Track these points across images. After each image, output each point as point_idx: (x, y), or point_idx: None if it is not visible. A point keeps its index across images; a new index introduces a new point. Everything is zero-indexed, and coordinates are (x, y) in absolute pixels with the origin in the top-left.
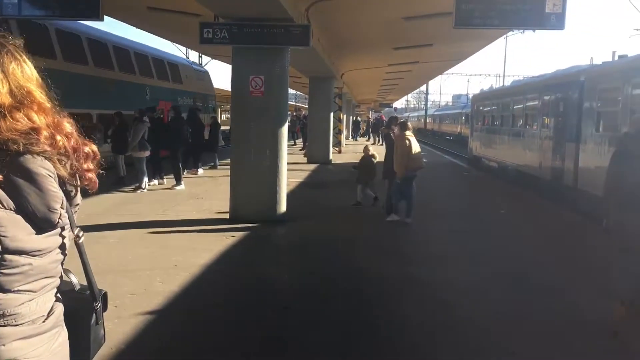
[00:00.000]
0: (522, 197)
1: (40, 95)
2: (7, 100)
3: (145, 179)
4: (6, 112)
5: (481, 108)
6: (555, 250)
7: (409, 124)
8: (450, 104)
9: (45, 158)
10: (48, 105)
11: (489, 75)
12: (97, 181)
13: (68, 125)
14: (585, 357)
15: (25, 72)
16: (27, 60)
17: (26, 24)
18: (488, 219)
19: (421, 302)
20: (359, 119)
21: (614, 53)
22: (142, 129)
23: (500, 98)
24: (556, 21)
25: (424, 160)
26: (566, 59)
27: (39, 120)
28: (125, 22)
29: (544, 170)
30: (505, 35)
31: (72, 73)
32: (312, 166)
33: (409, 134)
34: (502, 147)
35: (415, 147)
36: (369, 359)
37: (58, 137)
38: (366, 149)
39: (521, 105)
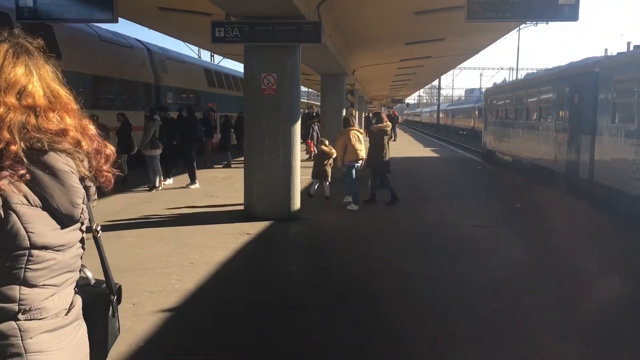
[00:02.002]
0: (537, 190)
1: (67, 96)
2: (43, 102)
3: (160, 178)
4: (41, 112)
5: (494, 102)
6: (574, 243)
7: (352, 119)
8: (463, 98)
9: (68, 155)
10: (74, 106)
11: (502, 68)
12: (112, 180)
13: (92, 127)
14: (611, 352)
15: (50, 73)
16: (48, 62)
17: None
18: (504, 213)
19: (438, 298)
20: (371, 115)
21: (629, 44)
22: (153, 127)
23: (513, 91)
24: (570, 12)
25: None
26: (580, 51)
27: (69, 122)
28: (138, 23)
29: (559, 163)
30: (517, 28)
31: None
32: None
33: (351, 129)
34: (516, 141)
35: (355, 142)
36: (386, 355)
37: (83, 143)
38: (321, 143)
39: (535, 98)
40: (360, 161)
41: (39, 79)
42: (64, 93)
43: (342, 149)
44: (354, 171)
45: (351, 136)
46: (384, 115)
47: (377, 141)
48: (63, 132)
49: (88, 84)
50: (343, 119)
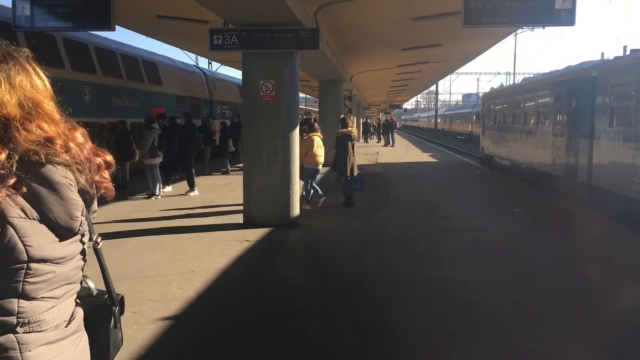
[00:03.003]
0: (535, 194)
1: (49, 106)
2: (16, 111)
3: (159, 186)
4: (19, 125)
5: (492, 106)
6: (574, 247)
7: (317, 125)
8: (461, 103)
9: (66, 167)
10: (58, 116)
11: (499, 73)
12: (113, 189)
13: (80, 136)
14: (613, 354)
15: (35, 83)
16: (39, 71)
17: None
18: (503, 217)
19: (438, 301)
20: (368, 121)
21: (625, 48)
22: (152, 136)
23: (511, 96)
24: (566, 17)
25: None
26: (576, 55)
27: (51, 129)
28: (136, 32)
29: (557, 167)
30: (514, 33)
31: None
32: (324, 169)
33: (315, 134)
34: (514, 145)
35: (317, 148)
36: (388, 359)
37: (71, 144)
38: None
39: (533, 103)
40: (320, 166)
41: (12, 87)
42: (46, 103)
43: (304, 153)
44: (317, 176)
45: (315, 142)
46: (349, 120)
47: (342, 146)
48: (50, 141)
49: (174, 101)
50: (308, 124)
